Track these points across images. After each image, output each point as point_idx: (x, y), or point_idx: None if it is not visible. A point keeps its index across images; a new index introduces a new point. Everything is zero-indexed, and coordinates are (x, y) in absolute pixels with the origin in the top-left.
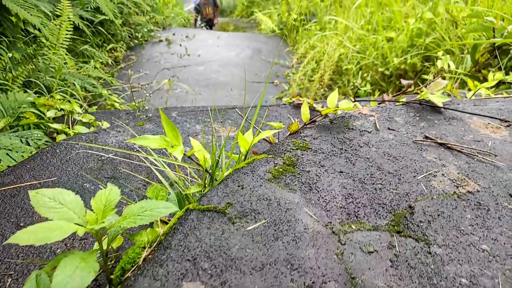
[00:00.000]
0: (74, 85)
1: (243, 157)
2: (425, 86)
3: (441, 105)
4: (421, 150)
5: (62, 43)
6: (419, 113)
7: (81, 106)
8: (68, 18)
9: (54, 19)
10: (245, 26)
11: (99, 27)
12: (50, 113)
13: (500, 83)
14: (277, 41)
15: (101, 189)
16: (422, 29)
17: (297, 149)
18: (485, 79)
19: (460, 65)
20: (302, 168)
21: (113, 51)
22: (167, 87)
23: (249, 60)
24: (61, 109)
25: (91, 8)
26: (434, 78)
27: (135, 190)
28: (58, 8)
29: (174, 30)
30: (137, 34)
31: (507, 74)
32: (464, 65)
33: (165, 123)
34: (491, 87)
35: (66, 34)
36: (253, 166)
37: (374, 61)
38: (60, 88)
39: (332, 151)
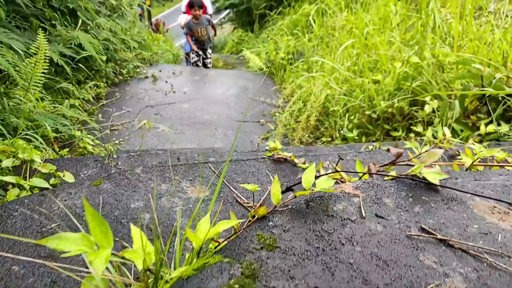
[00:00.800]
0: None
1: (195, 255)
2: (418, 156)
3: (437, 183)
4: (417, 249)
5: (37, 82)
6: (412, 192)
7: (42, 152)
8: (45, 55)
9: (30, 57)
10: (235, 63)
11: (81, 64)
12: (7, 162)
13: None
14: (265, 79)
15: (31, 275)
16: (409, 72)
17: (262, 248)
18: (474, 125)
19: (449, 110)
20: (265, 281)
21: (95, 88)
22: (148, 126)
23: (236, 98)
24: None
25: (74, 44)
26: (423, 130)
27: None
28: (34, 46)
29: (161, 67)
30: (122, 70)
31: (497, 122)
32: (453, 111)
33: (89, 216)
34: (485, 136)
35: (42, 73)
36: (201, 279)
37: (360, 103)
38: (27, 131)
39: (306, 251)
